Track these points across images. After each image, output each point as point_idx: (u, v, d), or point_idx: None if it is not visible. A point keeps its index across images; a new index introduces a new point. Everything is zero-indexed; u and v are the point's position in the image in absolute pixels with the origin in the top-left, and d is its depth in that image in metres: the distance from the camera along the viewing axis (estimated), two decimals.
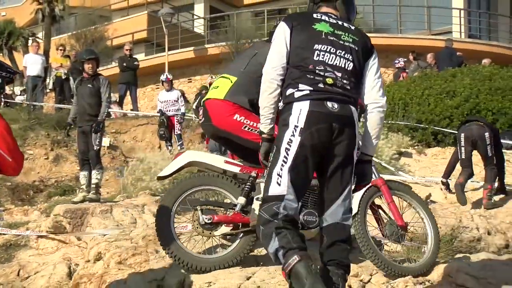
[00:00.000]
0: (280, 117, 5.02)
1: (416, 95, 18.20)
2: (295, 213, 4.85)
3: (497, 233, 10.74)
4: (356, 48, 5.07)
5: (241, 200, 6.39)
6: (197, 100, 17.66)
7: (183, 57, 32.28)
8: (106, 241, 7.52)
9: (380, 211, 6.91)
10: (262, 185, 5.34)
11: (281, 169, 4.85)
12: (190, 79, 32.38)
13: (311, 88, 4.89)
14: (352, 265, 6.10)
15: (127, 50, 22.63)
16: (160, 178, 7.07)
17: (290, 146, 4.85)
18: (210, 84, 17.23)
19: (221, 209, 6.54)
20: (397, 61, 23.55)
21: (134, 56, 23.41)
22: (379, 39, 29.41)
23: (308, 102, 4.86)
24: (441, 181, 12.60)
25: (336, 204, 4.96)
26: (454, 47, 24.92)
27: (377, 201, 6.91)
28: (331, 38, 5.02)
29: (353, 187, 5.12)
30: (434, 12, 32.62)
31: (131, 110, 23.22)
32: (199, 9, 40.10)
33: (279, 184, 4.83)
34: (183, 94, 19.96)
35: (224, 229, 6.44)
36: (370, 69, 5.13)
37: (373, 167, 6.58)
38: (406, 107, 18.27)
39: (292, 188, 4.83)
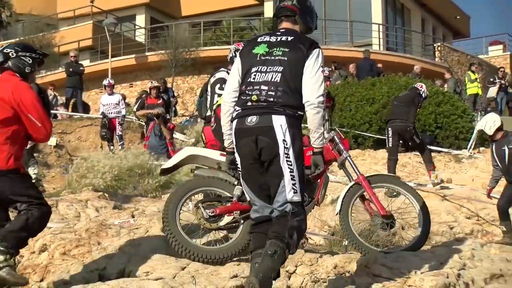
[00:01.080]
0: None
1: (339, 102, 18.36)
2: (260, 214, 5.39)
3: (410, 228, 10.88)
4: (286, 59, 5.28)
5: (238, 190, 6.50)
6: (138, 103, 17.57)
7: (125, 64, 32.15)
8: (51, 233, 7.38)
9: (371, 204, 7.06)
10: None
11: (241, 180, 5.47)
12: (132, 84, 32.22)
13: (240, 108, 5.33)
14: None
15: (73, 56, 22.48)
16: (164, 171, 7.21)
17: (238, 161, 5.39)
18: (150, 88, 17.20)
19: (220, 203, 6.61)
20: (323, 70, 23.72)
21: (79, 62, 23.21)
22: None
23: (236, 120, 5.33)
24: None
25: (275, 199, 5.26)
26: (374, 58, 25.34)
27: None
28: (264, 58, 5.34)
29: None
30: (356, 26, 33.03)
31: (77, 112, 22.86)
32: (141, 19, 39.95)
33: (245, 192, 5.50)
34: (124, 98, 19.88)
35: (227, 219, 6.54)
36: (305, 70, 5.27)
37: (353, 166, 7.00)
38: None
39: (251, 192, 5.39)
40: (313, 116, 5.24)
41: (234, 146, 5.37)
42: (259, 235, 5.37)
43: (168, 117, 16.72)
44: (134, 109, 17.79)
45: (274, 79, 5.25)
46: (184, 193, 6.63)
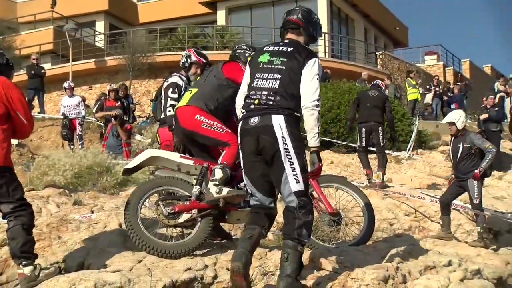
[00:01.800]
0: None
1: None
2: (260, 203, 5.78)
3: (353, 224, 10.97)
4: (284, 68, 5.69)
5: (196, 189, 6.58)
6: (97, 105, 17.49)
7: (85, 67, 31.90)
8: None
9: (320, 203, 7.14)
10: (218, 170, 6.44)
11: (243, 175, 5.81)
12: (91, 86, 31.92)
13: (244, 111, 5.75)
14: (229, 250, 6.19)
15: (34, 59, 22.21)
16: (126, 171, 7.13)
17: (241, 157, 5.77)
18: (109, 91, 17.11)
19: (179, 201, 6.62)
20: None
21: (41, 65, 22.92)
22: None
23: (241, 122, 5.75)
24: None
25: (281, 192, 5.63)
26: (321, 65, 25.39)
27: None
28: (266, 66, 5.77)
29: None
30: None
31: (38, 113, 22.63)
32: (100, 26, 39.71)
33: (246, 184, 5.85)
34: (83, 100, 19.75)
35: (185, 216, 6.54)
36: (302, 78, 5.64)
37: None
38: None
39: (251, 185, 5.76)
40: (308, 117, 5.57)
41: (239, 144, 5.77)
42: (255, 214, 5.79)
43: (125, 118, 16.60)
44: (94, 110, 17.74)
45: (273, 85, 5.64)
46: (146, 190, 6.62)
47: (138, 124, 22.88)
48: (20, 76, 28.16)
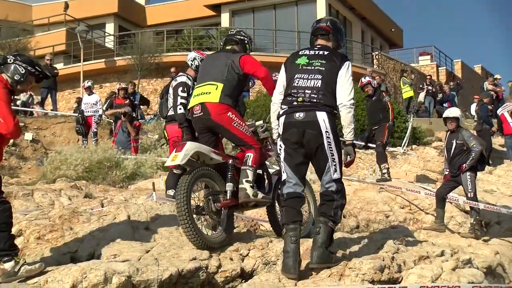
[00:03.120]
0: None
1: None
2: (294, 189, 6.02)
3: (351, 216, 10.97)
4: (323, 69, 6.03)
5: (230, 186, 6.63)
6: (107, 103, 17.50)
7: (95, 67, 31.84)
8: (26, 219, 7.27)
9: None
10: (250, 172, 6.60)
11: (282, 163, 6.11)
12: (101, 85, 31.82)
13: (286, 107, 6.07)
14: (233, 241, 6.20)
15: (48, 60, 22.15)
16: (173, 166, 7.33)
17: (280, 147, 6.10)
18: (118, 89, 17.10)
19: (219, 196, 6.62)
20: (274, 75, 23.90)
21: (54, 65, 22.93)
22: (257, 57, 29.51)
23: (284, 116, 6.06)
24: None
25: (322, 178, 6.01)
26: None
27: None
28: (306, 67, 6.10)
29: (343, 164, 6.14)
30: (303, 36, 33.05)
31: (51, 110, 22.69)
32: (110, 27, 39.63)
33: (283, 172, 6.12)
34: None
35: (224, 211, 6.60)
36: (339, 79, 6.01)
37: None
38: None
39: (290, 171, 6.04)
40: (346, 115, 5.99)
41: (281, 135, 6.06)
42: (289, 209, 6.00)
43: (134, 115, 16.59)
44: (104, 108, 17.72)
45: (316, 84, 5.99)
46: (195, 179, 6.37)
47: (146, 121, 22.81)
48: None
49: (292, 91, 6.06)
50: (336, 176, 5.96)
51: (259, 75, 6.94)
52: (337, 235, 7.23)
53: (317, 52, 6.19)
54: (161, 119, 15.54)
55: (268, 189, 7.03)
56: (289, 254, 5.76)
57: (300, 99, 5.98)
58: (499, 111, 17.40)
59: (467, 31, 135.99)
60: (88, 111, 17.52)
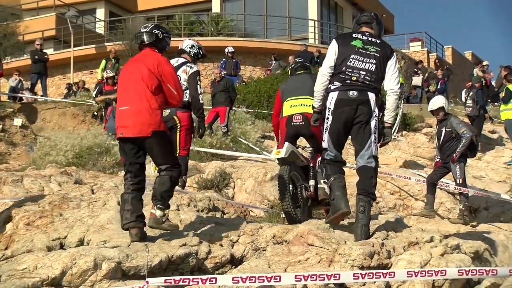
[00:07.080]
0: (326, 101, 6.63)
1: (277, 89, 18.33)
2: (335, 157, 6.60)
3: None
4: (378, 55, 6.55)
5: (312, 182, 8.08)
6: (96, 89, 17.48)
7: (86, 53, 31.64)
8: (16, 206, 7.26)
9: None
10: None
11: (325, 133, 6.59)
12: (92, 71, 31.69)
13: (340, 84, 6.51)
14: (223, 227, 6.21)
15: (37, 45, 22.06)
16: (279, 159, 7.85)
17: (327, 120, 6.56)
18: (106, 78, 17.17)
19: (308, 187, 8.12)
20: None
21: (44, 51, 22.78)
22: (248, 43, 29.81)
23: (337, 92, 6.51)
24: None
25: (361, 153, 6.52)
26: (311, 51, 25.44)
27: None
28: (361, 51, 6.55)
29: (379, 144, 6.70)
30: (294, 22, 33.03)
31: (41, 96, 22.53)
32: (100, 13, 39.33)
33: (324, 141, 6.62)
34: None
35: (310, 201, 8.13)
36: (389, 68, 6.59)
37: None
38: (269, 99, 18.36)
39: (331, 144, 6.57)
40: (394, 100, 6.58)
41: (332, 110, 6.51)
42: (333, 165, 6.62)
43: None
44: (93, 95, 17.70)
45: (370, 68, 6.49)
46: (290, 171, 7.77)
47: None
48: (24, 60, 28.09)
49: (347, 70, 6.50)
50: (375, 153, 6.54)
51: None
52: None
53: (369, 39, 6.66)
54: None
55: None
56: (340, 195, 6.43)
57: (354, 78, 6.46)
58: None
59: (459, 18, 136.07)
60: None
